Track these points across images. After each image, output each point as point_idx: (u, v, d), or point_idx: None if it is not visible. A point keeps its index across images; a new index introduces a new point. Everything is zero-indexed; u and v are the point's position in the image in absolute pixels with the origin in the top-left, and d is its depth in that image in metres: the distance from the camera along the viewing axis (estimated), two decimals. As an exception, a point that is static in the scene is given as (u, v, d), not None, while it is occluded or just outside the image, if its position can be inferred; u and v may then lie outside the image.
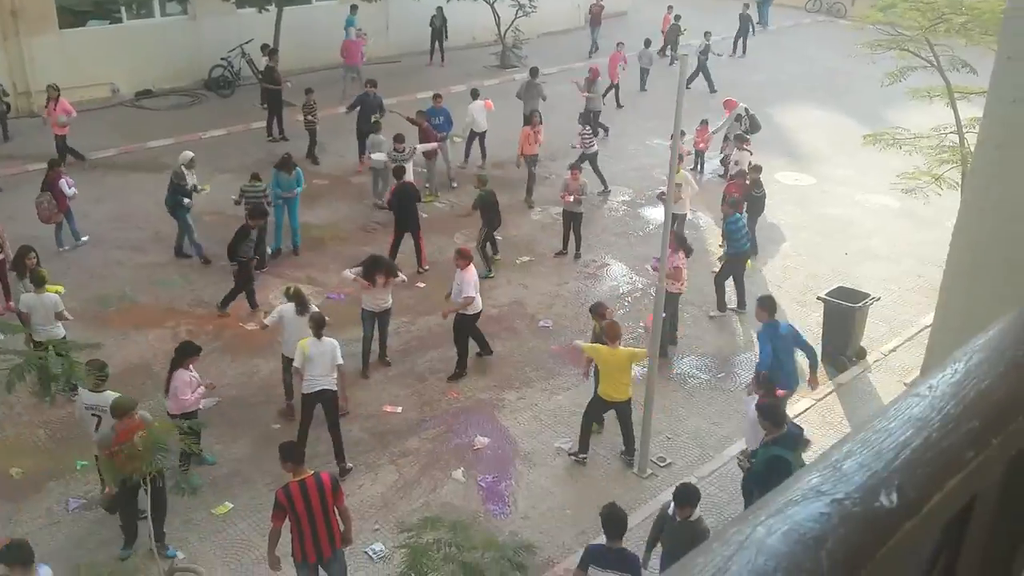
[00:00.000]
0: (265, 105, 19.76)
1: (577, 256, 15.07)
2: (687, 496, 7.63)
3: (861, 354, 12.48)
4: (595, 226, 16.05)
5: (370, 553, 8.82)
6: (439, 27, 26.00)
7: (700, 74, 24.27)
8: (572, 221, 14.93)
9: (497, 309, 13.31)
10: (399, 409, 11.02)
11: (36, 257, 11.19)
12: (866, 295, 12.34)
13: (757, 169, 15.14)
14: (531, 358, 12.25)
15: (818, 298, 12.62)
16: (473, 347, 11.82)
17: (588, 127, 17.77)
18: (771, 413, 8.24)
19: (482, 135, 18.16)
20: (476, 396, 11.32)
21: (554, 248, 15.31)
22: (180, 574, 5.18)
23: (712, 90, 24.01)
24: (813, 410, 11.43)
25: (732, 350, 12.83)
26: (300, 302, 10.40)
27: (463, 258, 11.43)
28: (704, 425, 10.98)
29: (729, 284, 13.56)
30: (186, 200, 13.92)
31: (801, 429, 8.64)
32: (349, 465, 9.91)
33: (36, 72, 19.99)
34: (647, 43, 24.71)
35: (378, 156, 15.71)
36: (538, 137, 16.74)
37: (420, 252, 14.15)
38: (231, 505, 9.33)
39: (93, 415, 8.61)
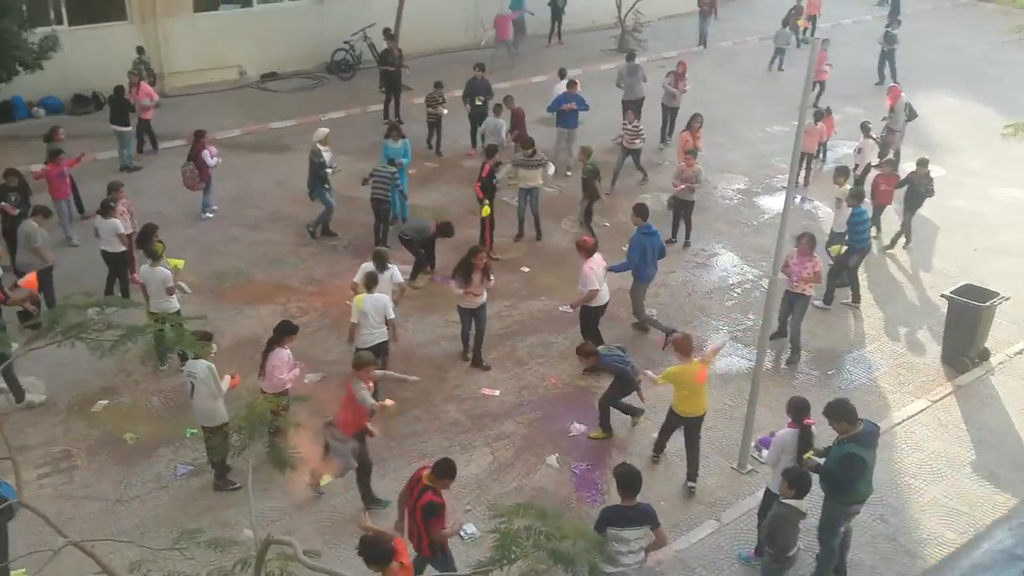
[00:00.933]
0: (383, 88, 20.13)
1: (686, 245, 14.73)
2: (792, 476, 7.53)
3: (984, 355, 11.75)
4: (707, 214, 15.64)
5: (462, 534, 8.86)
6: (560, 7, 25.89)
7: (886, 64, 23.02)
8: (683, 209, 14.58)
9: (601, 296, 13.15)
10: (497, 392, 11.03)
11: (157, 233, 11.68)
12: (995, 294, 11.58)
13: (924, 163, 14.58)
14: (633, 347, 11.99)
15: (942, 295, 11.93)
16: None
17: (638, 122, 16.77)
18: (844, 412, 7.81)
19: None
20: (574, 383, 11.22)
21: (663, 236, 14.95)
22: (275, 546, 5.28)
23: (879, 81, 22.83)
24: (928, 411, 10.85)
25: (844, 346, 12.27)
26: (379, 261, 10.77)
27: (581, 249, 11.27)
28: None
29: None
30: (328, 170, 14.33)
31: (877, 427, 8.18)
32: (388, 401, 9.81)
33: (170, 53, 20.96)
34: (784, 23, 24.20)
35: (494, 141, 15.77)
36: (697, 143, 15.83)
37: (488, 240, 14.03)
38: (330, 479, 9.52)
39: (190, 382, 8.96)
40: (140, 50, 19.63)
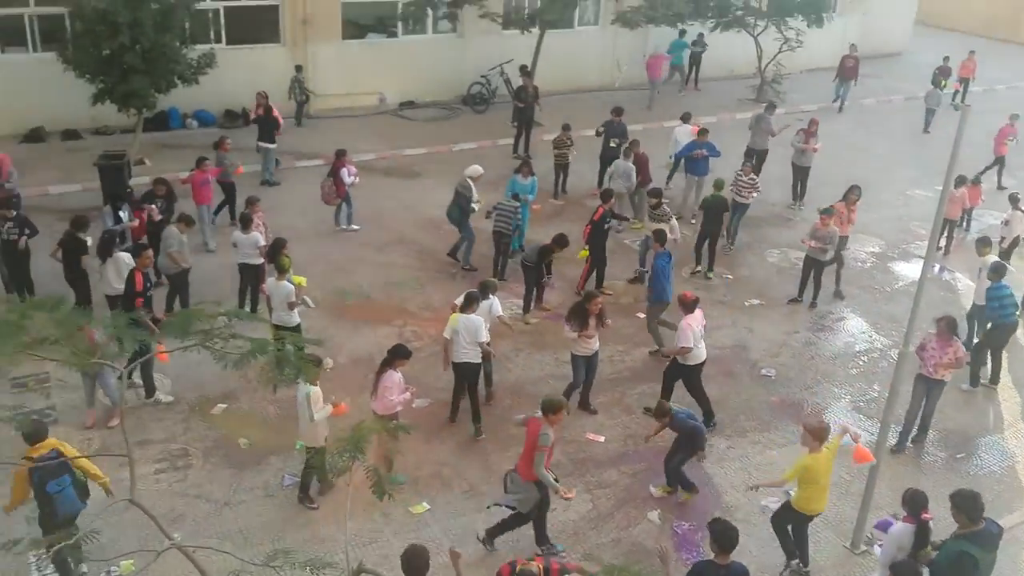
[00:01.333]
0: (515, 123, 20.38)
1: (813, 305, 14.19)
2: (900, 570, 7.11)
3: None
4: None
5: (554, 582, 8.69)
6: (699, 54, 25.81)
7: None
8: (813, 268, 14.06)
9: (718, 351, 12.79)
10: (602, 439, 10.82)
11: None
12: None
13: None
14: (747, 407, 11.64)
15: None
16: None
17: (755, 175, 16.02)
18: (969, 505, 7.21)
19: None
20: (683, 437, 10.90)
21: (788, 294, 14.51)
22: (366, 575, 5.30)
23: None
24: (1070, 512, 10.01)
25: (977, 429, 11.52)
26: (483, 288, 10.96)
27: (682, 304, 10.92)
28: (932, 507, 9.89)
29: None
30: (474, 205, 14.61)
31: (1000, 528, 7.52)
32: (482, 436, 10.66)
33: (317, 77, 21.83)
34: (935, 83, 23.42)
35: (621, 184, 15.78)
36: (852, 216, 14.76)
37: (584, 279, 14.05)
38: (427, 506, 9.53)
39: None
40: (298, 68, 20.72)
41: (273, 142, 17.64)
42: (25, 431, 7.68)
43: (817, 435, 8.43)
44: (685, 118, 18.42)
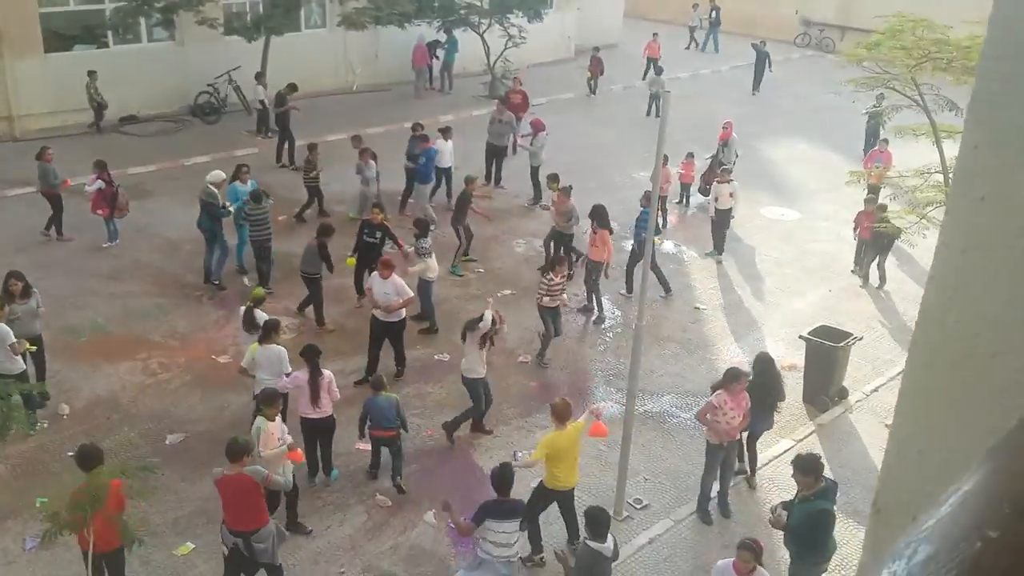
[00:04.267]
0: (268, 134, 19.91)
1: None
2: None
3: (843, 394, 12.28)
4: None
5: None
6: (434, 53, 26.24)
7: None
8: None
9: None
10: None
11: None
12: (848, 334, 12.16)
13: (882, 208, 14.86)
14: (509, 392, 12.00)
15: (800, 337, 12.41)
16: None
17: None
18: (813, 466, 7.99)
19: (447, 171, 17.64)
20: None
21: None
22: None
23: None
24: (793, 451, 11.19)
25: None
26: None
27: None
28: (683, 466, 10.74)
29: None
30: (229, 209, 14.10)
31: (835, 482, 8.53)
32: None
33: (20, 95, 19.80)
34: (659, 70, 24.87)
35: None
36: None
37: None
38: (192, 545, 9.04)
39: None
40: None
41: None
42: None
43: (558, 415, 8.95)
44: (445, 133, 17.76)
